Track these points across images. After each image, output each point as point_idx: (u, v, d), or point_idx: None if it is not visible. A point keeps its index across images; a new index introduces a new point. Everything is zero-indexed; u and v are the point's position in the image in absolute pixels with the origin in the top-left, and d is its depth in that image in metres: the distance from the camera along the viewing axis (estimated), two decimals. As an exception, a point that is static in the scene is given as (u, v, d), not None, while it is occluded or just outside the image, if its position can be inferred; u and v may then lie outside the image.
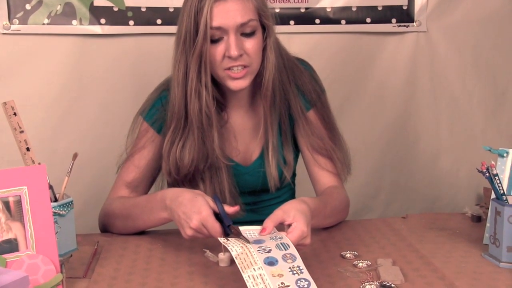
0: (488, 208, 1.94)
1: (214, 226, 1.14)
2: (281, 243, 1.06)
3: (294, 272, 1.00)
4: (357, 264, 1.17)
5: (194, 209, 1.16)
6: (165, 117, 1.41)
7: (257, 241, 1.07)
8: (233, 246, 1.05)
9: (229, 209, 1.19)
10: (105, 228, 1.43)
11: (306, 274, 1.00)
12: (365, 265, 1.16)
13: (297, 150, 1.52)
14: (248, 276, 0.98)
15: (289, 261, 1.02)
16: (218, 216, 1.17)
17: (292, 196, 1.61)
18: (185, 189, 1.26)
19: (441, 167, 2.22)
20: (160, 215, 1.27)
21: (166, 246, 1.29)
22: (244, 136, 1.47)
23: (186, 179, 1.40)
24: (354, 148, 1.51)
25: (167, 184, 1.44)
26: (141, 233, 1.37)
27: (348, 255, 1.22)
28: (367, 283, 1.07)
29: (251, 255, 1.02)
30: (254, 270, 0.99)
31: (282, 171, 1.46)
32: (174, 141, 1.38)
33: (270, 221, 1.12)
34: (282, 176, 1.46)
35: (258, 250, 1.03)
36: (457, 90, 2.12)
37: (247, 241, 1.07)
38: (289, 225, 1.11)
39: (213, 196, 1.22)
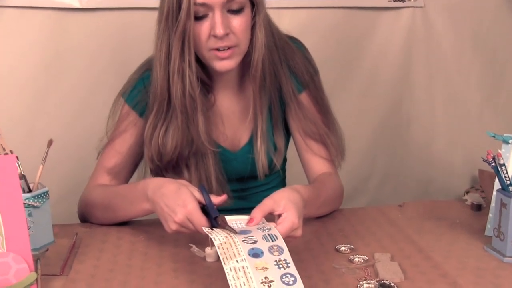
0: (483, 191, 1.88)
1: (201, 221, 1.06)
2: (268, 234, 0.98)
3: (280, 265, 0.92)
4: (353, 259, 1.10)
5: (179, 201, 1.08)
6: (148, 99, 1.32)
7: (243, 232, 1.00)
8: (217, 235, 0.98)
9: (216, 199, 1.11)
10: (85, 218, 1.35)
11: (292, 269, 0.92)
12: (362, 260, 1.09)
13: (288, 135, 1.44)
14: (230, 268, 0.91)
15: (276, 253, 0.94)
16: (204, 207, 1.09)
17: (282, 182, 1.54)
18: (168, 179, 1.17)
19: (435, 150, 2.16)
20: (142, 206, 1.18)
21: (149, 239, 1.21)
22: (232, 120, 1.38)
23: (170, 166, 1.32)
24: (345, 130, 1.42)
25: (150, 171, 1.36)
26: (123, 223, 1.29)
27: (343, 248, 1.15)
28: (364, 282, 1.00)
29: (235, 245, 0.95)
30: (237, 261, 0.92)
31: (271, 158, 1.37)
32: (157, 125, 1.29)
33: (259, 211, 1.04)
34: (271, 163, 1.38)
35: (243, 241, 0.96)
36: (453, 70, 2.04)
37: (233, 231, 1.00)
38: (279, 216, 1.04)
39: (199, 186, 1.14)
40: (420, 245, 1.16)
